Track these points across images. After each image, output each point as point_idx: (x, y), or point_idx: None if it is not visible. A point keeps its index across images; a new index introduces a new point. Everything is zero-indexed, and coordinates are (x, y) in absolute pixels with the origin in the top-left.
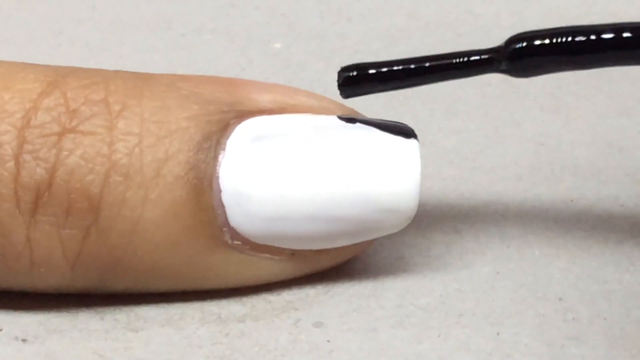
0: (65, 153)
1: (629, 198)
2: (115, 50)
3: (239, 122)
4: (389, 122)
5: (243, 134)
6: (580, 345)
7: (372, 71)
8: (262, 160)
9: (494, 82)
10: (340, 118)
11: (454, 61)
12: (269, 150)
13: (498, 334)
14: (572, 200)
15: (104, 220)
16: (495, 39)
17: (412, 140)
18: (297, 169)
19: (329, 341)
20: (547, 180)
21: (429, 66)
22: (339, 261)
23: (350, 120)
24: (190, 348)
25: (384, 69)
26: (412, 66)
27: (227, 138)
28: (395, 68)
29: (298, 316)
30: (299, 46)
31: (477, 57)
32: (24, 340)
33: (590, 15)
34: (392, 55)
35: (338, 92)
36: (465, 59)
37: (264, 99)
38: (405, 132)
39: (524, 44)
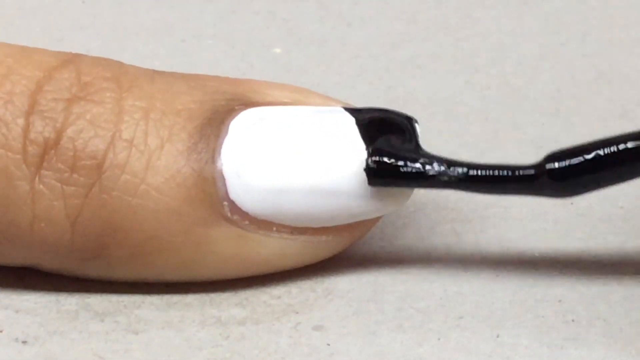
0: (73, 116)
1: (629, 200)
2: (116, 57)
3: (245, 109)
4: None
5: (247, 117)
6: (579, 346)
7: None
8: (263, 136)
9: (493, 85)
10: (345, 108)
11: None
12: (269, 127)
13: (498, 336)
14: (571, 203)
15: (106, 180)
16: (495, 43)
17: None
18: (296, 144)
19: (329, 344)
20: None
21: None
22: (339, 246)
23: (354, 111)
24: (190, 350)
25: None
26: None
27: (232, 120)
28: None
29: (298, 319)
30: (299, 51)
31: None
32: (24, 342)
33: (590, 19)
34: (391, 60)
35: (338, 95)
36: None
37: (273, 93)
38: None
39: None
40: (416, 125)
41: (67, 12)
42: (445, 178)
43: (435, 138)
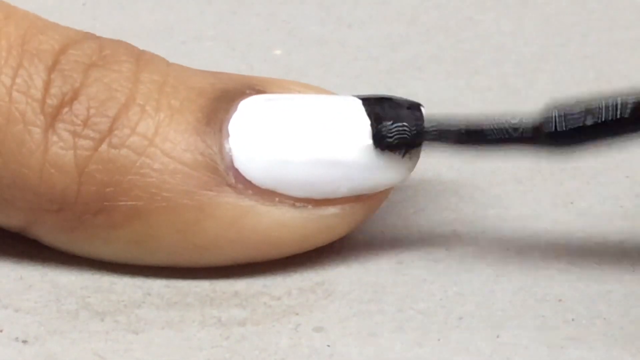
0: (91, 79)
1: (629, 199)
2: None
3: (256, 94)
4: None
5: (257, 98)
6: (580, 346)
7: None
8: (270, 111)
9: (494, 86)
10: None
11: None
12: (277, 104)
13: (498, 336)
14: (571, 203)
15: (116, 138)
16: (495, 45)
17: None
18: (301, 116)
19: (329, 345)
20: (547, 182)
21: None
22: (341, 226)
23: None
24: (190, 350)
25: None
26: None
27: (241, 100)
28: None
29: (298, 321)
30: (300, 52)
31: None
32: (24, 342)
33: (590, 21)
34: (391, 62)
35: None
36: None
37: (283, 84)
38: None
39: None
40: (422, 109)
41: (68, 14)
42: (445, 133)
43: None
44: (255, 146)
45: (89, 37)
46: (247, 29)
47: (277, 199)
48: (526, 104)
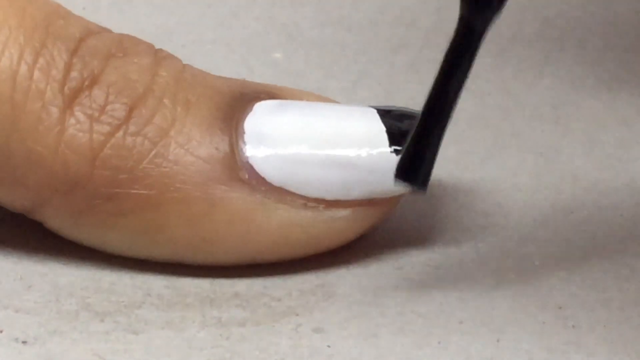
0: (110, 68)
1: (629, 208)
2: None
3: (270, 99)
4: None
5: (273, 101)
6: (580, 351)
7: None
8: (286, 113)
9: (493, 91)
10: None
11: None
12: (293, 107)
13: (498, 340)
14: (571, 212)
15: (133, 125)
16: (495, 49)
17: None
18: (316, 116)
19: (329, 346)
20: (547, 190)
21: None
22: (349, 229)
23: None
24: (190, 351)
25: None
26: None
27: (258, 102)
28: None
29: (299, 321)
30: (299, 56)
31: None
32: (24, 342)
33: (589, 25)
34: (391, 65)
35: (338, 100)
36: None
37: (296, 93)
38: None
39: None
40: None
41: None
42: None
43: None
44: (270, 144)
45: (108, 31)
46: (247, 33)
47: (289, 197)
48: (525, 108)
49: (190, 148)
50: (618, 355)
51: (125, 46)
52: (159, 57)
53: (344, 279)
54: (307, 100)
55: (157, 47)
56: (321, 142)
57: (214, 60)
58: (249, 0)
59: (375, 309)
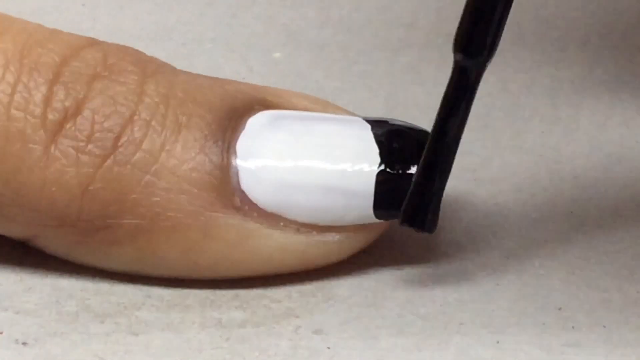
0: (95, 91)
1: (629, 209)
2: None
3: (264, 109)
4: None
5: (266, 116)
6: (580, 352)
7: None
8: (279, 132)
9: (493, 92)
10: (366, 119)
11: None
12: (286, 124)
13: (498, 342)
14: (571, 212)
15: (121, 155)
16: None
17: None
18: (310, 141)
19: (329, 347)
20: (547, 191)
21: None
22: (343, 251)
23: (371, 120)
24: (190, 352)
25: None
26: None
27: (250, 117)
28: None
29: (298, 323)
30: (299, 56)
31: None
32: (24, 344)
33: (590, 26)
34: (391, 66)
35: (338, 100)
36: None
37: (292, 99)
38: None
39: None
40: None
41: (67, 15)
42: None
43: None
44: (263, 169)
45: (92, 43)
46: (247, 32)
47: (282, 223)
48: (525, 108)
49: (182, 175)
50: (618, 356)
51: (110, 63)
52: (147, 71)
53: (344, 281)
54: (301, 105)
55: (156, 46)
56: (315, 168)
57: (213, 59)
58: None
59: (375, 311)
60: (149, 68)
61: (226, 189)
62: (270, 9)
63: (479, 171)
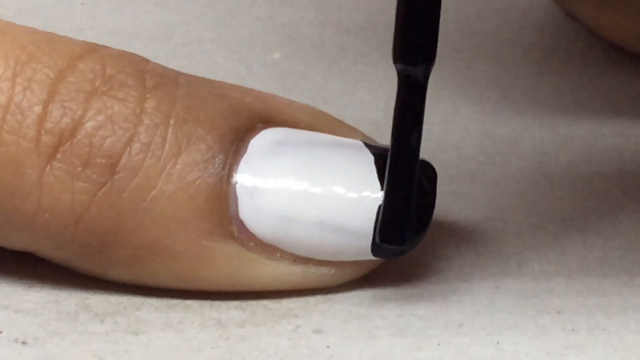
0: (93, 110)
1: (627, 216)
2: None
3: (266, 128)
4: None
5: (268, 137)
6: (579, 354)
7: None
8: (281, 162)
9: (493, 98)
10: (365, 144)
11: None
12: (288, 153)
13: (498, 343)
14: (571, 219)
15: (118, 181)
16: (494, 56)
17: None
18: (312, 175)
19: (328, 347)
20: (546, 198)
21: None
22: (339, 281)
23: (374, 148)
24: (190, 351)
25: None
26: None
27: (252, 138)
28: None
29: (298, 323)
30: (298, 57)
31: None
32: (23, 343)
33: (590, 34)
34: (390, 68)
35: (337, 101)
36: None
37: (293, 112)
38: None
39: None
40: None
41: (67, 15)
42: None
43: (434, 150)
44: (263, 200)
45: (90, 50)
46: (246, 32)
47: (278, 253)
48: (525, 115)
49: (180, 202)
50: (618, 357)
51: (109, 75)
52: (148, 86)
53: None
54: (302, 122)
55: (156, 46)
56: (315, 204)
57: (213, 60)
58: (248, 0)
59: (374, 311)
60: (149, 80)
61: (224, 216)
62: (269, 10)
63: (478, 176)
